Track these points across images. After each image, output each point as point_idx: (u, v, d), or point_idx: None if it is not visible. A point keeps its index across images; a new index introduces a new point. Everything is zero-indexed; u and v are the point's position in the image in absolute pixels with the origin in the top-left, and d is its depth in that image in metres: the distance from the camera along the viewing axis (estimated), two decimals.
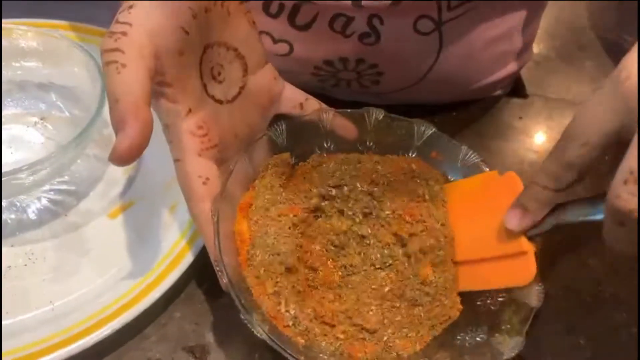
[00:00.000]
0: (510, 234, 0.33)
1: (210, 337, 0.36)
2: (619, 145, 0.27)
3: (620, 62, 0.27)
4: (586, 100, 0.28)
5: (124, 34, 0.30)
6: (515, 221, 0.32)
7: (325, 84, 0.49)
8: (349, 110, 0.40)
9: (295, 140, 0.39)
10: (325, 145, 0.40)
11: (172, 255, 0.37)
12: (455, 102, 0.53)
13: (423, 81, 0.48)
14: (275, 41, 0.45)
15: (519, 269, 0.33)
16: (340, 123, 0.40)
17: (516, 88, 0.57)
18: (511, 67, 0.51)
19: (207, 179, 0.34)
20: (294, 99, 0.40)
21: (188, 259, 0.37)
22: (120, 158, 0.29)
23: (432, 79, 0.47)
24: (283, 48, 0.45)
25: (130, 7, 0.31)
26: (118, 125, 0.29)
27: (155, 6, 0.31)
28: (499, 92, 0.55)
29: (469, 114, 0.52)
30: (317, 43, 0.44)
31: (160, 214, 0.41)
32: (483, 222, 0.35)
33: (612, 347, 0.37)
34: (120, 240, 0.39)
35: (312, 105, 0.41)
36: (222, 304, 0.37)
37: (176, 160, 0.35)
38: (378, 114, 0.40)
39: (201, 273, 0.38)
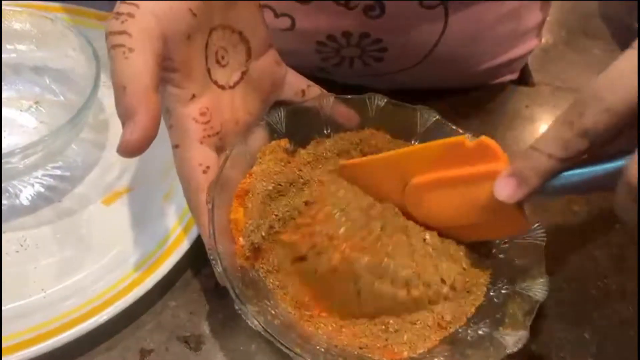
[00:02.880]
0: (495, 203, 0.29)
1: (205, 327, 0.35)
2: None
3: None
4: (613, 62, 0.25)
5: (131, 15, 0.29)
6: (508, 191, 0.28)
7: (328, 63, 0.48)
8: (349, 96, 0.38)
9: (295, 126, 0.38)
10: (325, 131, 0.39)
11: (168, 243, 0.37)
12: (461, 88, 0.51)
13: (427, 59, 0.46)
14: (277, 15, 0.43)
15: (513, 223, 0.31)
16: (340, 111, 0.39)
17: (523, 76, 0.56)
18: (518, 50, 0.50)
19: (208, 167, 0.33)
20: (296, 86, 0.39)
21: (184, 247, 0.36)
22: (130, 150, 0.28)
23: (437, 57, 0.46)
24: (285, 22, 0.44)
25: None
26: (126, 114, 0.28)
27: None
28: (506, 77, 0.53)
29: (474, 101, 0.51)
30: (319, 16, 0.43)
31: (156, 200, 0.40)
32: (458, 194, 0.32)
33: (618, 341, 0.36)
34: (115, 227, 0.38)
35: (315, 92, 0.40)
36: (218, 294, 0.36)
37: (175, 147, 0.34)
38: (380, 100, 0.38)
39: (197, 261, 0.37)
